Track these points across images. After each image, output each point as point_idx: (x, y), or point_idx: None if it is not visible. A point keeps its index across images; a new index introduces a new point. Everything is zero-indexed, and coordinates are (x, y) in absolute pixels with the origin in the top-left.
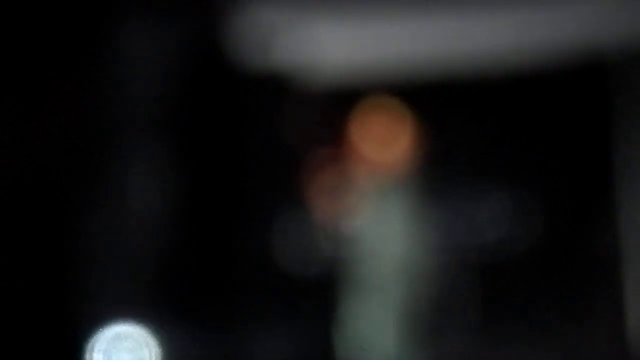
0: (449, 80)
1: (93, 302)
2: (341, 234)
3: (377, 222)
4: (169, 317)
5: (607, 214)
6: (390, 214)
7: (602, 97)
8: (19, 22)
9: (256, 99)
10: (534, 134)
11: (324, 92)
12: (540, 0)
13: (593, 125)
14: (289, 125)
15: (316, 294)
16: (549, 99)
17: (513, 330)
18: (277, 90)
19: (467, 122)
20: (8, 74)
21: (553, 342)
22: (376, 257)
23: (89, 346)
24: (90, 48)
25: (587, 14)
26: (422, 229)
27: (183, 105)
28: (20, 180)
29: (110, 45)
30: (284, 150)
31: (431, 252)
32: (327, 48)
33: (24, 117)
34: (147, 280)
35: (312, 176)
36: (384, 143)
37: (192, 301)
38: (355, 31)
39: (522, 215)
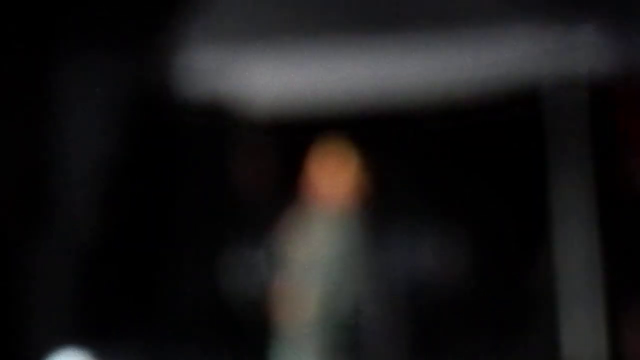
0: (386, 115)
1: (36, 332)
2: (283, 260)
3: (319, 249)
4: (108, 342)
5: (543, 249)
6: (332, 241)
7: (537, 132)
8: None
9: (198, 131)
10: (472, 168)
11: (264, 124)
12: (478, 37)
13: (529, 159)
14: (231, 156)
15: (256, 319)
16: (487, 134)
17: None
18: (218, 123)
19: (406, 157)
20: None
21: None
22: (316, 281)
23: None
24: (33, 85)
25: (522, 50)
26: (362, 257)
27: (126, 139)
28: None
29: (54, 83)
30: (227, 180)
31: (369, 278)
32: (265, 83)
33: None
34: (87, 307)
35: (256, 206)
36: (325, 175)
37: (130, 326)
38: (291, 68)
39: (458, 249)
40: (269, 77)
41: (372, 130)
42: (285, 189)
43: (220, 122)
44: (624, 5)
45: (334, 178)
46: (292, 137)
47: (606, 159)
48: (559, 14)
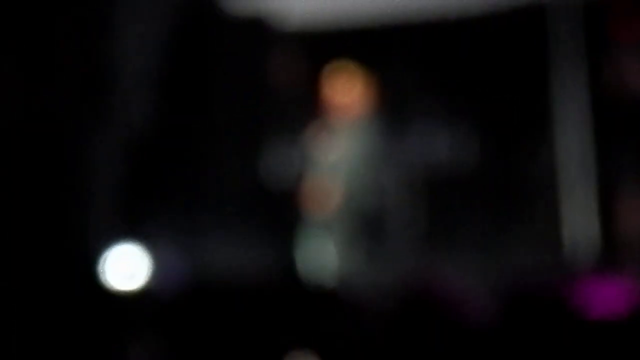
0: (399, 28)
1: (92, 227)
2: (312, 160)
3: (344, 151)
4: (155, 234)
5: (544, 141)
6: (354, 145)
7: (540, 39)
8: None
9: (238, 42)
10: (480, 72)
11: (297, 37)
12: None
13: (532, 64)
14: (265, 65)
15: (283, 210)
16: (490, 42)
17: (456, 242)
18: (255, 35)
19: (414, 67)
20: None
21: (494, 253)
22: (341, 177)
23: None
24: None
25: None
26: (382, 157)
27: (176, 46)
28: (27, 119)
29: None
30: (262, 86)
31: (388, 172)
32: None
33: (29, 67)
34: (133, 201)
35: (290, 110)
36: (346, 88)
37: (172, 216)
38: None
39: (468, 143)
40: None
41: (387, 42)
42: (313, 98)
43: (259, 33)
44: None
45: (348, 89)
46: (320, 50)
47: (602, 65)
48: None
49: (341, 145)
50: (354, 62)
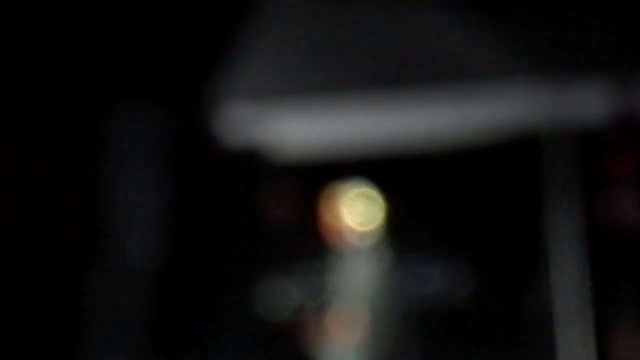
0: (398, 160)
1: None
2: (315, 288)
3: (346, 277)
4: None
5: (539, 279)
6: (356, 271)
7: (534, 171)
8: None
9: (236, 174)
10: (475, 207)
11: (293, 169)
12: (479, 88)
13: (526, 196)
14: (265, 196)
15: (288, 340)
16: (483, 174)
17: None
18: (253, 168)
19: (408, 197)
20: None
21: None
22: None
23: None
24: (89, 134)
25: (522, 100)
26: (382, 285)
27: (173, 179)
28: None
29: (109, 131)
30: (262, 216)
31: (386, 301)
32: (295, 131)
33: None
34: (139, 331)
35: (287, 240)
36: (348, 214)
37: (175, 345)
38: (317, 118)
39: (464, 278)
40: (298, 126)
41: (386, 173)
42: (311, 226)
43: (255, 165)
44: (619, 60)
45: (357, 216)
46: (318, 179)
47: (597, 199)
48: (555, 70)
49: (354, 271)
50: (364, 184)
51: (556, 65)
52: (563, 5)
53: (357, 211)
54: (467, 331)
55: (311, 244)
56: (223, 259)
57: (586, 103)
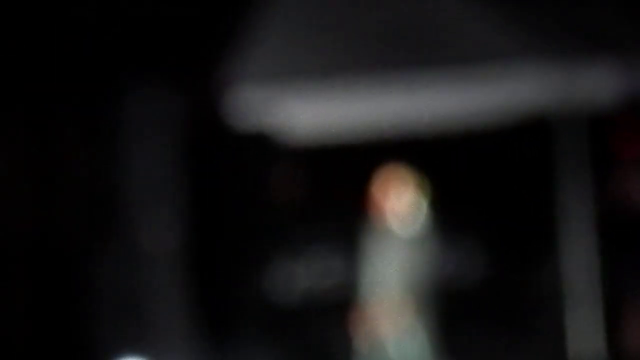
0: (410, 142)
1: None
2: (354, 272)
3: (382, 258)
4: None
5: (550, 257)
6: (391, 252)
7: (545, 154)
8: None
9: (248, 156)
10: (484, 189)
11: (302, 151)
12: (490, 72)
13: (537, 179)
14: (276, 175)
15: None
16: (496, 157)
17: (462, 355)
18: (265, 150)
19: (422, 180)
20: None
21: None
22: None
23: None
24: (102, 115)
25: (532, 83)
26: (414, 265)
27: (188, 164)
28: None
29: (122, 115)
30: (268, 198)
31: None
32: (304, 116)
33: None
34: (157, 318)
35: (296, 222)
36: (387, 196)
37: (182, 332)
38: (324, 102)
39: (474, 258)
40: (308, 109)
41: (396, 156)
42: (324, 207)
43: (266, 147)
44: (628, 44)
45: (394, 198)
46: (327, 162)
47: (606, 180)
48: (565, 54)
49: (387, 257)
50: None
51: (566, 49)
52: None
53: (395, 196)
54: (477, 312)
55: (319, 226)
56: (236, 241)
57: (596, 87)
